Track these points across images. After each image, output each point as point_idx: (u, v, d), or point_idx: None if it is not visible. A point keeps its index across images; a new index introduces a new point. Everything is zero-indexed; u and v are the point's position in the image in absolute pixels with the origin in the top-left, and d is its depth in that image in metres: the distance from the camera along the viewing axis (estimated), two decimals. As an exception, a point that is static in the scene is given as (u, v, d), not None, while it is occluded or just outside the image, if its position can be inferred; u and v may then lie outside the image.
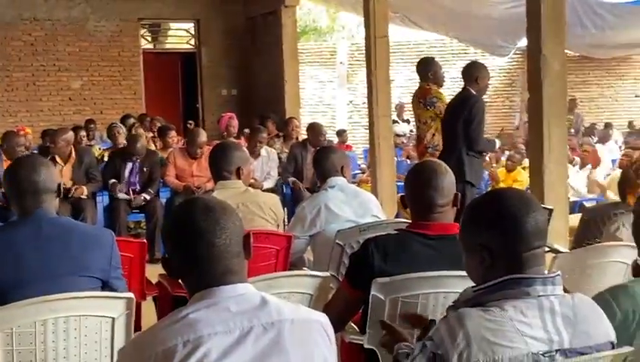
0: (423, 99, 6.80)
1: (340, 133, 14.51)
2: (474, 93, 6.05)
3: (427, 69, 6.84)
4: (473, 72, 6.12)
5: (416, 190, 2.77)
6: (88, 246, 2.79)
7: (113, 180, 7.46)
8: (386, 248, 2.69)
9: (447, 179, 2.76)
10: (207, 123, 13.35)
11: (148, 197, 7.43)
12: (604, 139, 12.57)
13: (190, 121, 11.77)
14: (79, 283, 2.70)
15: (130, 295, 2.64)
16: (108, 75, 13.14)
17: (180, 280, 1.89)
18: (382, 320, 2.48)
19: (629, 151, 8.55)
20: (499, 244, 1.86)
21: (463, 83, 6.23)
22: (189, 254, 1.81)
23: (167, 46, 14.71)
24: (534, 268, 1.86)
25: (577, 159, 9.12)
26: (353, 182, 9.60)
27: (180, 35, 14.47)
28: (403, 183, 2.91)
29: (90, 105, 13.07)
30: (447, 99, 6.80)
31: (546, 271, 1.94)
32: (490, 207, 1.92)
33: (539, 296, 1.82)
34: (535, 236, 1.86)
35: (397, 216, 6.17)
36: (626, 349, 1.92)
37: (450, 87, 14.78)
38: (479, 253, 1.88)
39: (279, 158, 8.38)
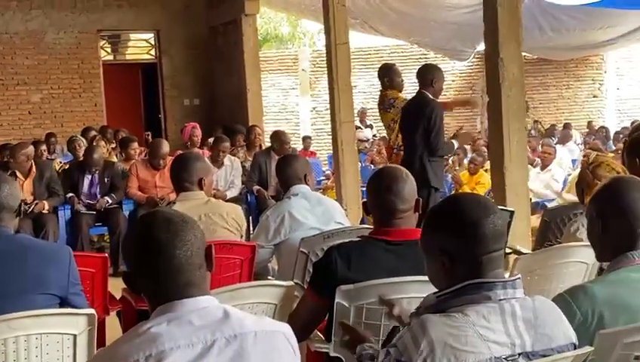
0: (382, 104, 6.89)
1: (304, 140, 14.56)
2: (430, 97, 6.08)
3: (382, 75, 6.93)
4: (428, 75, 6.15)
5: (378, 196, 2.79)
6: (45, 264, 2.76)
7: (71, 194, 7.39)
8: (349, 255, 2.70)
9: (408, 185, 2.78)
10: (169, 133, 13.27)
11: (110, 201, 7.36)
12: (564, 139, 12.75)
13: (148, 132, 11.64)
14: (37, 301, 2.67)
15: (92, 311, 2.61)
16: (68, 88, 13.01)
17: (142, 295, 1.87)
18: (341, 322, 2.47)
19: (589, 152, 8.67)
20: (458, 249, 1.87)
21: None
22: (150, 267, 1.79)
23: (128, 57, 14.59)
24: (494, 272, 1.87)
25: (538, 160, 9.24)
26: (318, 189, 9.66)
27: (140, 46, 14.38)
28: (365, 189, 2.92)
29: (51, 118, 12.92)
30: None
31: (507, 274, 1.96)
32: (448, 212, 1.94)
33: (500, 299, 1.83)
34: (493, 239, 1.87)
35: (362, 222, 6.18)
36: (587, 349, 1.95)
37: (412, 92, 14.88)
38: (439, 258, 1.90)
39: (243, 167, 8.35)
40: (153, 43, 13.84)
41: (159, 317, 1.76)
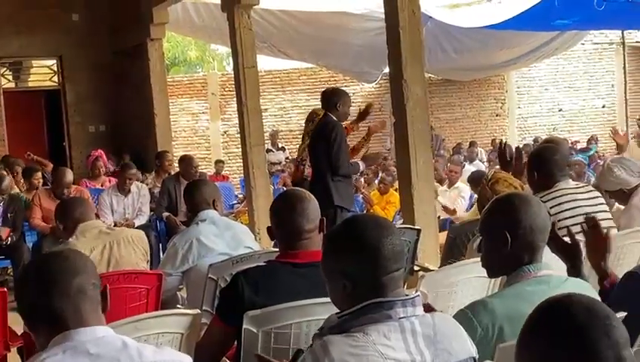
0: (309, 117, 6.75)
1: (216, 164, 14.47)
2: (334, 118, 6.01)
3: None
4: (334, 98, 6.02)
5: (283, 217, 2.78)
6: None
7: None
8: (256, 280, 2.68)
9: (312, 205, 2.79)
10: (74, 161, 12.92)
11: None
12: (470, 157, 13.10)
13: (28, 152, 11.04)
14: None
15: (-13, 349, 2.51)
16: (-33, 117, 12.52)
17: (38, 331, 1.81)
18: (257, 354, 2.46)
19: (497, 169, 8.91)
20: (358, 271, 1.88)
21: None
22: (42, 300, 1.75)
23: (30, 84, 14.15)
24: (394, 291, 1.88)
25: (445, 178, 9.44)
26: (231, 213, 9.57)
27: (42, 73, 13.97)
28: (269, 214, 2.89)
29: (-51, 149, 12.40)
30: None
31: (413, 291, 1.98)
32: (346, 234, 1.94)
33: (400, 318, 1.84)
34: (393, 260, 1.89)
35: (276, 245, 6.14)
36: (487, 363, 1.99)
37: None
38: (341, 280, 1.90)
39: (152, 193, 8.20)
40: (56, 69, 13.48)
41: (55, 348, 1.72)
